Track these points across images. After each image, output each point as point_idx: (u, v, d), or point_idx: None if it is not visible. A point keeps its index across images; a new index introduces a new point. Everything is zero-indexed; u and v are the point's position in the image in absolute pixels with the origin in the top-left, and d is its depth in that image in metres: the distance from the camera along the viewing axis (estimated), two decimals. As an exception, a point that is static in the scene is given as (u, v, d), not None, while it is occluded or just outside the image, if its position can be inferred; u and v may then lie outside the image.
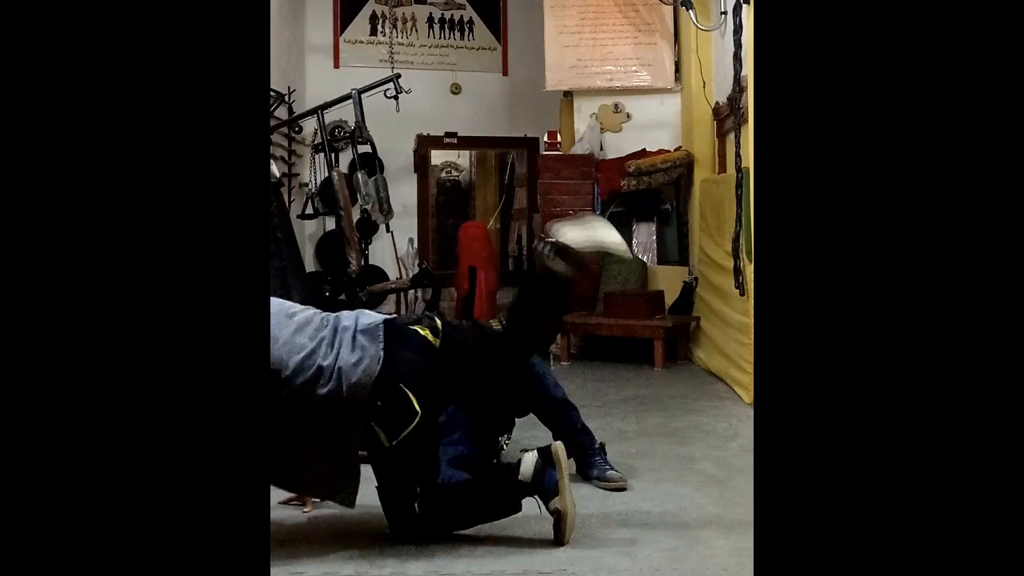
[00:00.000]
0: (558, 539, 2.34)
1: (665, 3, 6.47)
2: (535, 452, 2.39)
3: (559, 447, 2.39)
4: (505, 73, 8.35)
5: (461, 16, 8.34)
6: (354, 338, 2.34)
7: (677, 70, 6.53)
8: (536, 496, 2.37)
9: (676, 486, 2.91)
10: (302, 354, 2.28)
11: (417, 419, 2.30)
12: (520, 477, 2.35)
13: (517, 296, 2.69)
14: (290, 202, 6.83)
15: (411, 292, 7.57)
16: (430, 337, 2.41)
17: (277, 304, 2.41)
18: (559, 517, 2.34)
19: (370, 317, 2.43)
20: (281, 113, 6.99)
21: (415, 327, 2.42)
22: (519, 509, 2.42)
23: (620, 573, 2.19)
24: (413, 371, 2.33)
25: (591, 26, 6.62)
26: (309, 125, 7.49)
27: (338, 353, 2.31)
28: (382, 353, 2.31)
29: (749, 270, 4.26)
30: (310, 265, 7.55)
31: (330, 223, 7.32)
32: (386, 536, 2.43)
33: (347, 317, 2.43)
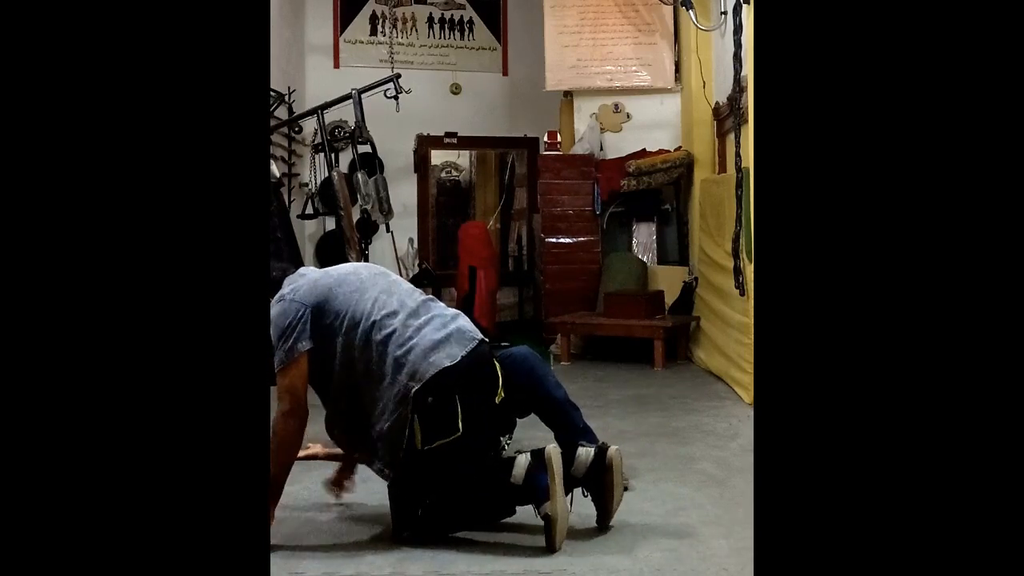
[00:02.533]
0: (548, 544, 2.30)
1: (665, 3, 6.47)
2: (528, 454, 2.36)
3: (553, 451, 2.34)
4: (505, 73, 8.36)
5: (461, 16, 8.35)
6: (443, 327, 2.40)
7: (677, 70, 6.54)
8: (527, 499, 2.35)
9: (676, 486, 2.90)
10: (385, 310, 2.38)
11: (455, 436, 2.32)
12: (512, 479, 2.32)
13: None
14: (290, 202, 6.83)
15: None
16: (500, 390, 2.44)
17: (378, 267, 2.59)
18: (548, 522, 2.30)
19: (470, 324, 2.49)
20: (281, 113, 6.99)
21: (498, 371, 2.46)
22: (513, 512, 2.42)
23: (620, 573, 2.18)
24: (472, 395, 2.37)
25: (591, 26, 6.62)
26: (309, 125, 7.49)
27: (420, 329, 2.38)
28: (460, 359, 2.34)
29: (749, 270, 4.26)
30: (310, 265, 7.54)
31: (330, 223, 7.33)
32: (386, 536, 2.43)
33: (447, 308, 2.53)
